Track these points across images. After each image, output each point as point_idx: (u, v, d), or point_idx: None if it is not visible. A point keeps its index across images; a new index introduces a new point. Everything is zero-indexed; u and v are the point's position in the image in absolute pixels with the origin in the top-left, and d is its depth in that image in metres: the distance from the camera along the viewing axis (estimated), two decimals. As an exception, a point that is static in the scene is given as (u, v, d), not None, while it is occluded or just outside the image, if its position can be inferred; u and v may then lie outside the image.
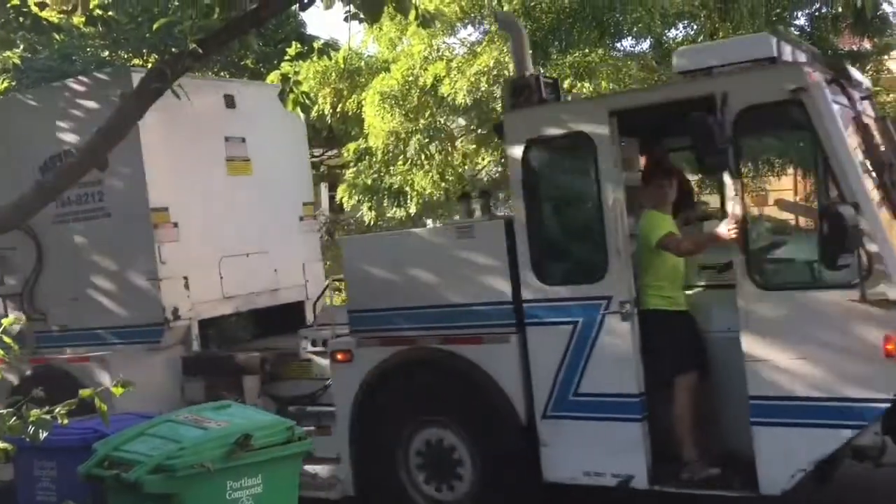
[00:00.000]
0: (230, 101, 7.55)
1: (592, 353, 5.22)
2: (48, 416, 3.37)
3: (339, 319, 6.45)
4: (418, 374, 5.75)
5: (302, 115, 5.64)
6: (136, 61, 12.71)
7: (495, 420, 5.49)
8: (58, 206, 6.89)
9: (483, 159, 11.84)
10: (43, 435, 3.35)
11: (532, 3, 11.11)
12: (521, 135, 5.44)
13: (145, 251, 6.83)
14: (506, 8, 11.37)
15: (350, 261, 6.11)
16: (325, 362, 6.29)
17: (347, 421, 5.94)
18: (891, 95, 15.25)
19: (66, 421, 3.48)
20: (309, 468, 5.88)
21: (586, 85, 10.90)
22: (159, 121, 6.55)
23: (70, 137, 6.93)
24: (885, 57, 14.86)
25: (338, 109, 11.68)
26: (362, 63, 11.92)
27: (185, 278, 6.97)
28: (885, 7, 12.97)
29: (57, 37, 10.55)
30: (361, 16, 5.35)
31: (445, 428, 5.67)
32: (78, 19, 5.99)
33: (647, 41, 13.10)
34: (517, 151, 5.44)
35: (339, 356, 6.00)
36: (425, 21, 6.09)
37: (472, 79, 10.07)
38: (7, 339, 3.62)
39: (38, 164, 7.06)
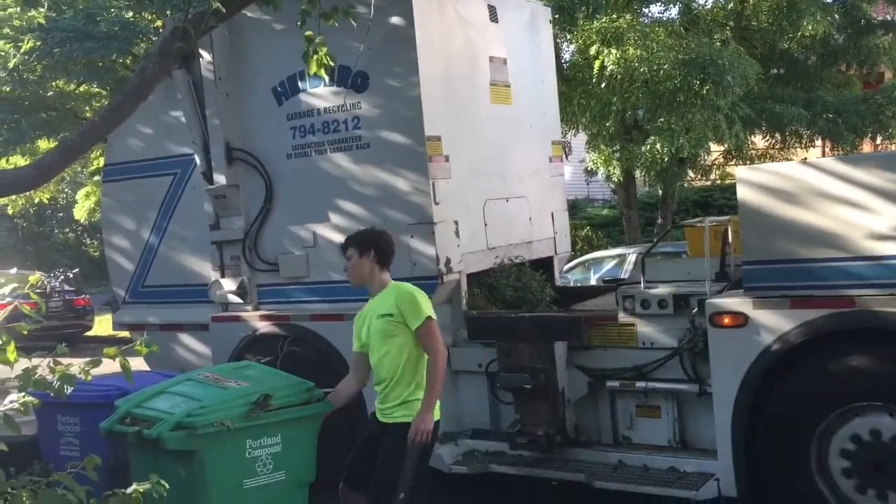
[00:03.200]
0: (493, 14, 6.47)
1: None
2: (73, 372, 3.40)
3: (661, 275, 5.44)
4: (859, 344, 4.44)
5: (326, 78, 5.51)
6: (159, 23, 12.66)
7: None
8: (296, 137, 6.14)
9: None
10: (68, 390, 3.37)
11: (559, -33, 10.95)
12: None
13: (417, 189, 5.71)
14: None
15: (747, 198, 4.66)
16: (649, 328, 5.17)
17: (731, 405, 4.67)
18: (923, 67, 14.93)
19: (89, 377, 3.50)
20: (667, 461, 5.09)
21: (612, 51, 10.77)
22: (435, 31, 5.82)
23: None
24: (920, 28, 14.52)
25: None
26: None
27: (456, 223, 5.86)
28: (923, -24, 12.64)
29: (81, -4, 10.53)
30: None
31: (890, 415, 4.37)
32: (102, -22, 5.94)
33: (676, 7, 12.91)
34: None
35: (727, 320, 4.68)
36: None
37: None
38: (34, 297, 3.59)
39: (272, 85, 6.22)
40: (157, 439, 4.09)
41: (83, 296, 17.23)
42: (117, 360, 3.43)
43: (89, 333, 16.88)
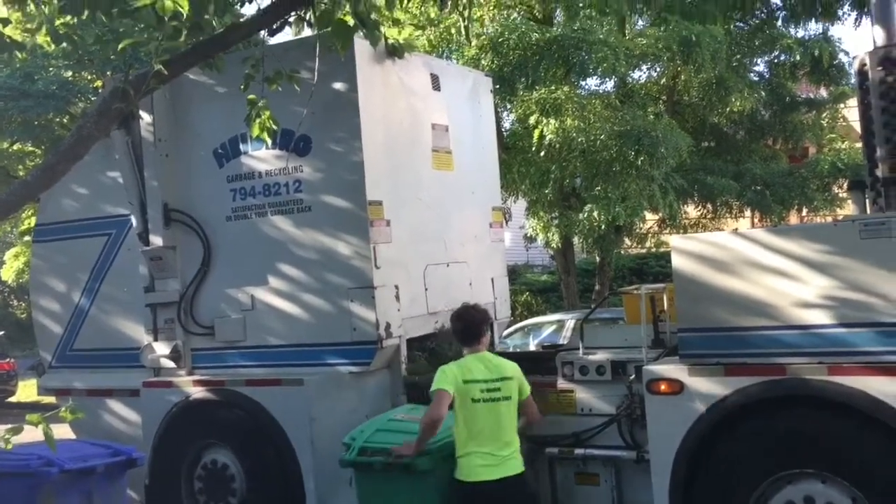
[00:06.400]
0: (436, 82, 6.59)
1: None
2: (-8, 440, 3.25)
3: (599, 342, 5.52)
4: (790, 411, 4.47)
5: (269, 141, 5.53)
6: (98, 83, 12.57)
7: None
8: (237, 199, 6.11)
9: None
10: (-14, 459, 3.22)
11: (500, 39, 11.24)
12: None
13: (357, 253, 5.71)
14: (473, 43, 11.51)
15: (681, 266, 4.75)
16: (588, 394, 5.26)
17: (668, 471, 4.66)
18: (845, 143, 15.69)
19: (10, 445, 3.36)
20: None
21: (551, 121, 11.04)
22: (378, 97, 5.90)
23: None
24: (841, 105, 15.29)
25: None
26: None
27: (396, 287, 5.89)
28: (842, 57, 13.36)
29: (19, 55, 10.40)
30: (331, 45, 5.34)
31: (822, 483, 4.37)
32: (42, 38, 5.87)
33: (612, 80, 13.34)
34: None
35: (663, 386, 4.71)
36: (395, 51, 6.10)
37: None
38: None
39: (213, 147, 6.20)
40: (410, 464, 4.75)
41: (8, 360, 16.64)
42: (40, 427, 3.30)
43: (12, 399, 16.23)
